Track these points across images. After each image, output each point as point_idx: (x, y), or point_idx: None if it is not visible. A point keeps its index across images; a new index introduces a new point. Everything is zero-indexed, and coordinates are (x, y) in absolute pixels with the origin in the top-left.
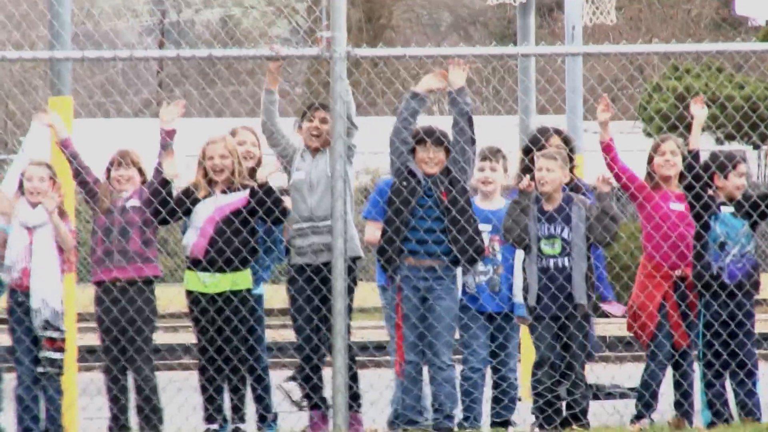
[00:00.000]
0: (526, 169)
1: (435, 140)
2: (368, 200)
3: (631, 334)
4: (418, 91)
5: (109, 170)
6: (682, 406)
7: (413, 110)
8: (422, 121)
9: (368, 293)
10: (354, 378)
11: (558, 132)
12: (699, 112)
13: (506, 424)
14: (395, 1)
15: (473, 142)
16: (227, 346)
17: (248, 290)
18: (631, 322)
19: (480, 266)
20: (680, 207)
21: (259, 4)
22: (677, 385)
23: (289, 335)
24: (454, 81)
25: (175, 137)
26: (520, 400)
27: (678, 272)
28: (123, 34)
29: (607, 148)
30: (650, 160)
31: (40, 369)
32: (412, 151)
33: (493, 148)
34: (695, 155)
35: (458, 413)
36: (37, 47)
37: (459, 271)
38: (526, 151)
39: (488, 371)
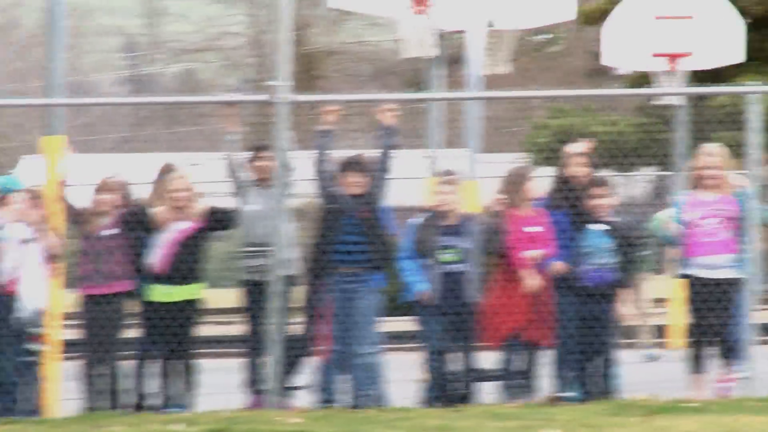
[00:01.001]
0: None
1: (359, 167)
2: None
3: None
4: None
5: (92, 196)
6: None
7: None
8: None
9: None
10: (289, 365)
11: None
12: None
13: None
14: (327, 56)
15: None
16: (176, 341)
17: (199, 299)
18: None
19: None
20: (535, 228)
21: (216, 59)
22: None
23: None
24: (387, 120)
25: None
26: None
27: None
28: (103, 83)
29: None
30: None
31: (23, 359)
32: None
33: None
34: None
35: (373, 393)
36: (28, 95)
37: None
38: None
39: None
